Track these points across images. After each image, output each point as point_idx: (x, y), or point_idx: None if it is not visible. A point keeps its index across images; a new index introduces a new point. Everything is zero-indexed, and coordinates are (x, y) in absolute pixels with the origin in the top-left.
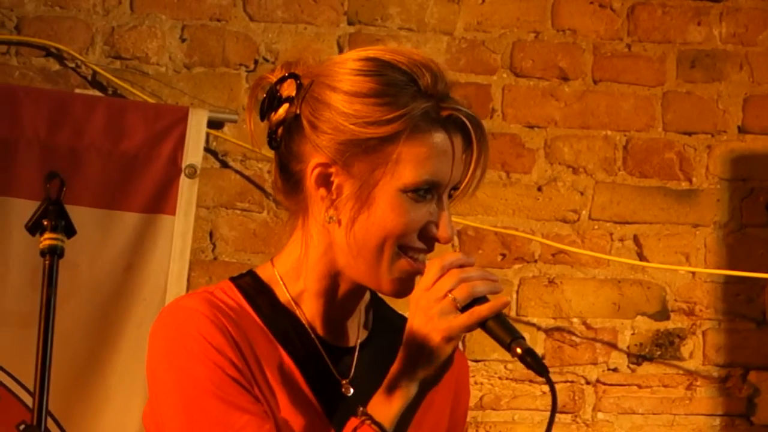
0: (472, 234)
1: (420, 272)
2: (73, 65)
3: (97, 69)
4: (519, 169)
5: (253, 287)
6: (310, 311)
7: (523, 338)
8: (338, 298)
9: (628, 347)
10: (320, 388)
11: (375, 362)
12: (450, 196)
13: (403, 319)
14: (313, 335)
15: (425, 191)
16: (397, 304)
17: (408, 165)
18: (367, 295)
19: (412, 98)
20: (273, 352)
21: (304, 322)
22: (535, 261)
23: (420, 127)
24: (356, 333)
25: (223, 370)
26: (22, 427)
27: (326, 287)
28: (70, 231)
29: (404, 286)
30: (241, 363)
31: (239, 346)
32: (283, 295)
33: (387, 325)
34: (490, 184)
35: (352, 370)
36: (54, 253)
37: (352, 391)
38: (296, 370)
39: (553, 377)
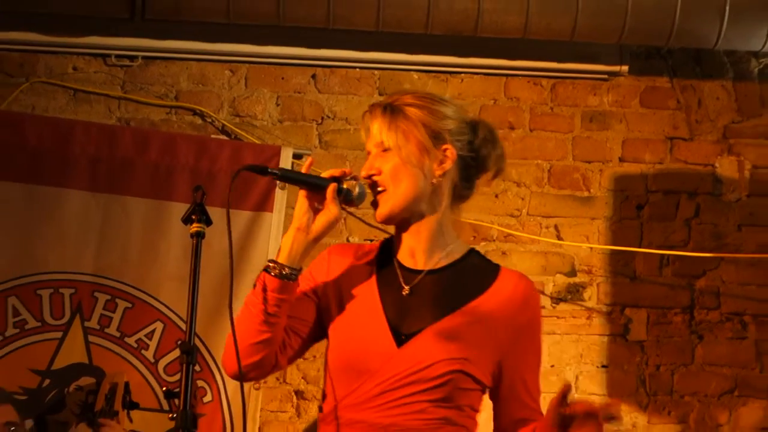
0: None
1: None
2: (210, 120)
3: (225, 123)
4: (484, 185)
5: (388, 240)
6: (398, 248)
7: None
8: (402, 239)
9: (551, 293)
10: (388, 290)
11: (439, 280)
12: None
13: (488, 263)
14: (395, 261)
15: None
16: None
17: None
18: (450, 240)
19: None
20: (368, 275)
21: (393, 254)
22: (494, 240)
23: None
24: (432, 263)
25: (306, 281)
26: (179, 342)
27: (397, 233)
28: (208, 222)
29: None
30: (321, 279)
31: (336, 270)
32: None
33: (467, 264)
34: None
35: (416, 281)
36: (199, 236)
37: (407, 290)
38: (375, 283)
39: None
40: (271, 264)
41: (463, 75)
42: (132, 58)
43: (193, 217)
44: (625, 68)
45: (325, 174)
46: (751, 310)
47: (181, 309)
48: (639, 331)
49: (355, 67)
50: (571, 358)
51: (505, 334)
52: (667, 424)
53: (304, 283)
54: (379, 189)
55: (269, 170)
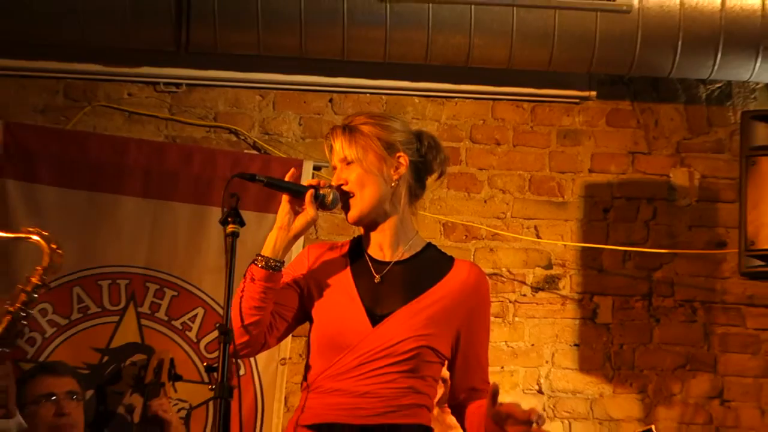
0: (450, 225)
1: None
2: (243, 138)
3: (256, 140)
4: (474, 191)
5: (357, 238)
6: (367, 243)
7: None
8: (371, 236)
9: (531, 283)
10: (361, 279)
11: (405, 269)
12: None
13: (443, 255)
14: (366, 255)
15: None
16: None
17: None
18: (410, 233)
19: None
20: (342, 266)
21: (364, 248)
22: (483, 239)
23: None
24: (397, 255)
25: (289, 273)
26: (217, 324)
27: (365, 232)
28: (242, 224)
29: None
30: (302, 272)
31: (315, 263)
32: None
33: (426, 256)
34: (460, 199)
35: (385, 270)
36: (234, 236)
37: (378, 279)
38: (350, 273)
39: (492, 299)
40: (258, 257)
41: (456, 99)
42: (177, 85)
43: (229, 219)
44: (593, 93)
45: (304, 183)
46: (700, 297)
47: (219, 297)
48: (605, 315)
49: (366, 93)
50: (548, 338)
51: (461, 313)
52: (630, 394)
53: (288, 275)
54: (349, 195)
55: (257, 177)
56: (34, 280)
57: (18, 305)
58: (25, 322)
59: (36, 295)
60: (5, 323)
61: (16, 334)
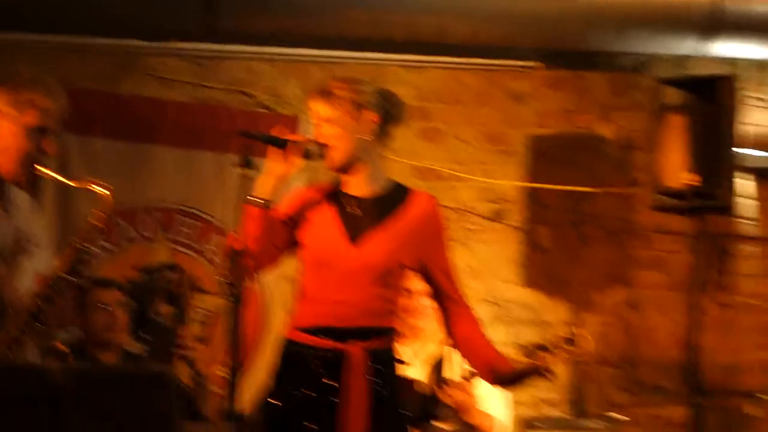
0: (421, 169)
1: None
2: (256, 99)
3: (266, 101)
4: (441, 141)
5: (337, 180)
6: (345, 184)
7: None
8: (348, 179)
9: (485, 215)
10: (341, 211)
11: (376, 202)
12: None
13: (406, 188)
14: (344, 193)
15: None
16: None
17: None
18: (379, 174)
19: None
20: (324, 204)
21: (342, 187)
22: (447, 179)
23: None
24: (372, 192)
25: (280, 210)
26: (230, 249)
27: (342, 175)
28: (253, 168)
29: None
30: (291, 208)
31: (302, 201)
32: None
33: (393, 191)
34: (429, 148)
35: (360, 203)
36: (248, 179)
37: (355, 210)
38: (331, 206)
39: (453, 228)
40: (251, 198)
41: (429, 68)
42: (203, 57)
43: (243, 164)
44: (538, 64)
45: (292, 138)
46: (619, 226)
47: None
48: (544, 241)
49: (355, 63)
50: (498, 259)
51: (422, 234)
52: (562, 303)
53: (279, 212)
54: (329, 147)
55: (253, 134)
56: (95, 222)
57: (85, 243)
58: (88, 257)
59: (96, 235)
60: (73, 258)
61: (82, 267)
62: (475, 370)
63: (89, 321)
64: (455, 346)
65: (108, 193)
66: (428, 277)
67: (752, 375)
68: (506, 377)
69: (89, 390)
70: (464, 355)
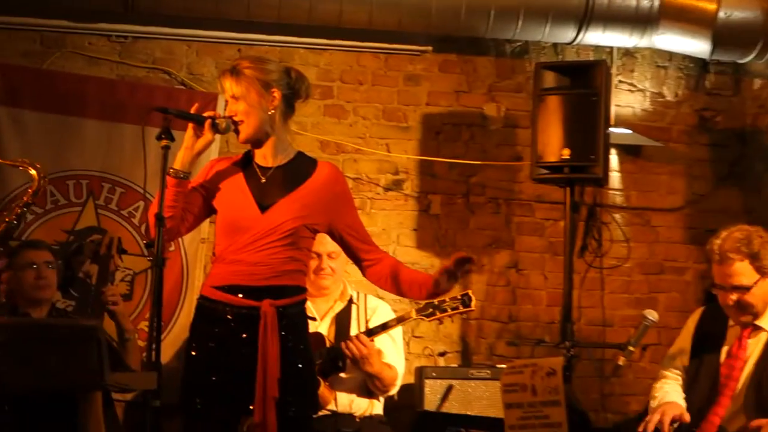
0: (325, 143)
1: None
2: (174, 77)
3: (184, 79)
4: (343, 118)
5: (247, 152)
6: (254, 155)
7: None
8: (257, 151)
9: (383, 185)
10: (251, 180)
11: (283, 171)
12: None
13: (310, 159)
14: (254, 163)
15: None
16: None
17: None
18: (286, 145)
19: None
20: (237, 172)
21: (252, 158)
22: (349, 153)
23: None
24: (277, 162)
25: (196, 180)
26: (155, 214)
27: (252, 147)
28: (173, 139)
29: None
30: (205, 178)
31: (216, 171)
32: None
33: (298, 161)
34: (332, 123)
35: (269, 173)
36: (166, 149)
37: (264, 179)
38: (243, 176)
39: (355, 197)
40: (171, 170)
41: (331, 50)
42: (125, 37)
43: (163, 136)
44: (430, 48)
45: (205, 114)
46: (503, 196)
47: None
48: (436, 208)
49: (265, 45)
50: (395, 225)
51: (327, 199)
52: None
53: (195, 182)
54: (238, 123)
55: (169, 110)
56: (26, 198)
57: (13, 217)
58: (17, 230)
59: (26, 210)
60: (3, 230)
61: (10, 238)
62: (411, 296)
63: (20, 279)
64: (385, 284)
65: (36, 173)
66: (340, 237)
67: (619, 329)
68: (435, 291)
69: (21, 342)
70: (396, 287)
